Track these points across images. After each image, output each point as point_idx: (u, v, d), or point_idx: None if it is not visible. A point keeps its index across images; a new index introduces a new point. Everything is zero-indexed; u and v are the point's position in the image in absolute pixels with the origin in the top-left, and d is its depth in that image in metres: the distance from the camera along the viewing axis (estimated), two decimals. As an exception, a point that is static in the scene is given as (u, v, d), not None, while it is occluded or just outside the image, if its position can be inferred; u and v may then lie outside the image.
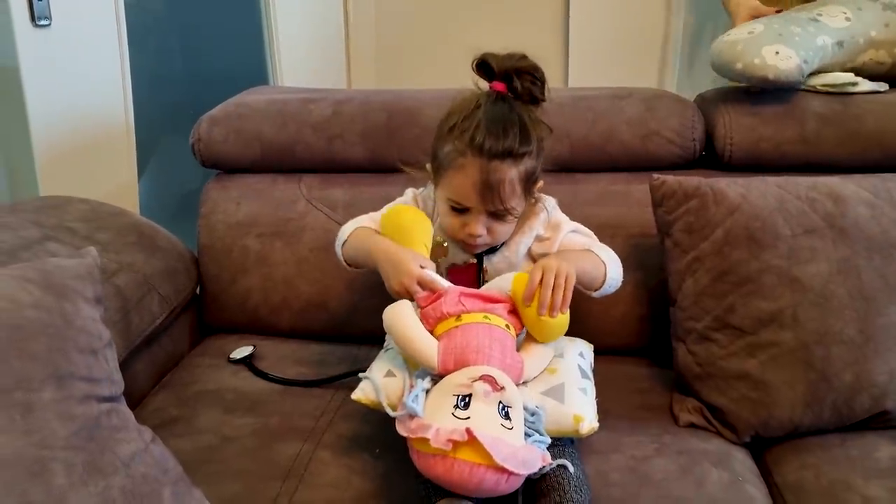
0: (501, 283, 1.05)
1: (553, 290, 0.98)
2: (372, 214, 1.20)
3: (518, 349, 1.02)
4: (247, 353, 1.33)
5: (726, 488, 1.00)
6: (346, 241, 1.16)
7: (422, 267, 1.03)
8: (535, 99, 1.08)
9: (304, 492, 0.99)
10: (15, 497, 0.69)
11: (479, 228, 1.07)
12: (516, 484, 0.88)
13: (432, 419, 0.88)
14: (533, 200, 1.15)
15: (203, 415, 1.16)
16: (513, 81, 1.06)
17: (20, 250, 1.11)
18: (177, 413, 1.17)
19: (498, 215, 1.07)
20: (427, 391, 0.93)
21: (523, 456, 0.87)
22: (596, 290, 1.10)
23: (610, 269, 1.10)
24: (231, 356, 1.33)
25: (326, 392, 1.21)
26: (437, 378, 0.95)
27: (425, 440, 0.85)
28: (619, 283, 1.14)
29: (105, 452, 0.79)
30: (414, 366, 1.01)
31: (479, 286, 1.12)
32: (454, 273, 1.16)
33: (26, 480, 0.71)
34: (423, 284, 1.02)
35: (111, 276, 1.19)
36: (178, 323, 1.38)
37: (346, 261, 1.19)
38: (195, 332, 1.45)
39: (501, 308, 1.02)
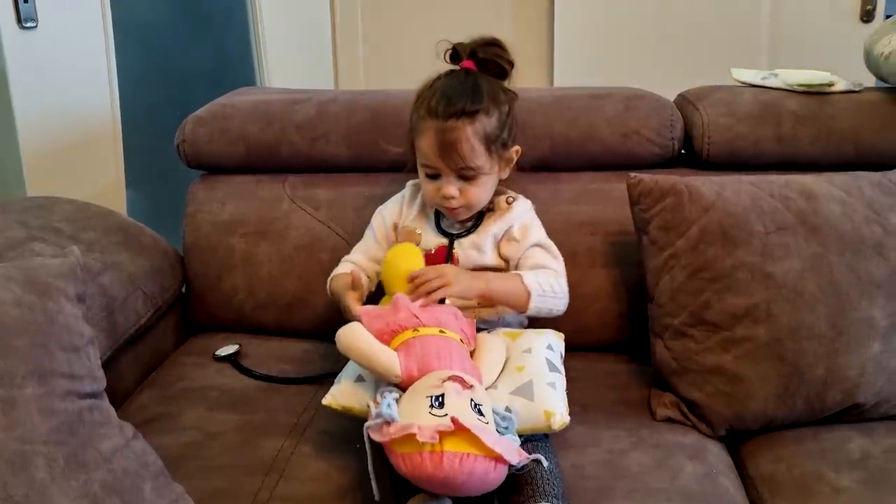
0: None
1: (425, 286, 1.08)
2: (352, 257, 1.28)
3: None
4: (232, 351, 1.34)
5: (700, 481, 1.02)
6: (330, 284, 1.25)
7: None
8: (502, 68, 1.19)
9: (286, 486, 1.01)
10: (-4, 490, 0.71)
11: (451, 189, 1.14)
12: (501, 477, 0.88)
13: (411, 420, 0.87)
14: (509, 197, 1.23)
15: (187, 412, 1.18)
16: (478, 54, 1.18)
17: (5, 250, 1.12)
18: (161, 410, 1.19)
19: (466, 176, 1.14)
20: (397, 400, 0.93)
21: (507, 444, 0.88)
22: (523, 312, 1.17)
23: (535, 300, 1.14)
24: (216, 354, 1.34)
25: (309, 389, 1.23)
26: (401, 392, 0.96)
27: (410, 437, 0.84)
28: (558, 311, 1.19)
29: (86, 447, 0.81)
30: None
31: None
32: (426, 258, 1.20)
33: (8, 474, 0.72)
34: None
35: (96, 276, 1.21)
36: (164, 322, 1.40)
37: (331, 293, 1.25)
38: (180, 330, 1.46)
39: (455, 324, 1.05)
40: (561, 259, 1.22)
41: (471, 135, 1.12)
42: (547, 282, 1.16)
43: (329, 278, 1.26)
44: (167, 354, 1.39)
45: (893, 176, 1.22)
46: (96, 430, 0.83)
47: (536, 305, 1.15)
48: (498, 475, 0.88)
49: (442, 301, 1.16)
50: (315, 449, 1.08)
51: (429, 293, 1.07)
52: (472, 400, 0.90)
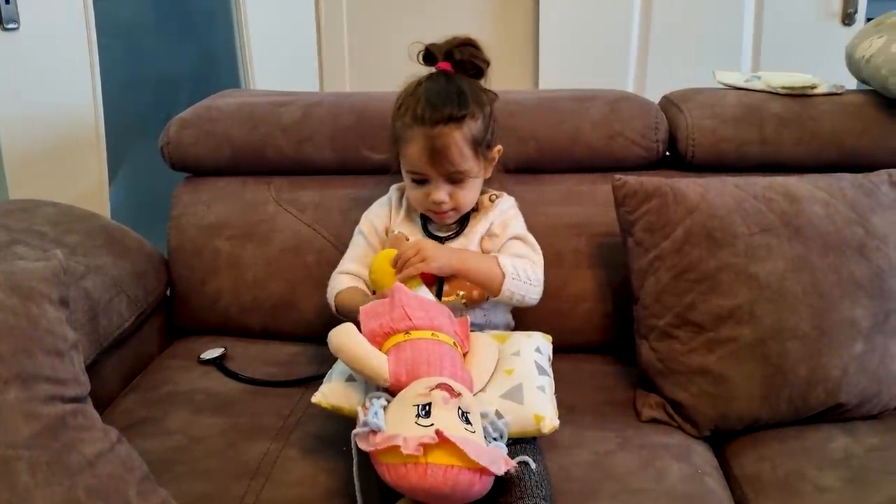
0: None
1: (407, 256, 1.10)
2: (347, 268, 1.24)
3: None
4: (217, 354, 1.34)
5: (686, 481, 1.03)
6: (336, 302, 1.21)
7: None
8: (478, 68, 1.19)
9: (272, 490, 1.00)
10: (-21, 496, 0.71)
11: (441, 195, 1.15)
12: (486, 487, 0.88)
13: (396, 430, 0.87)
14: (493, 195, 1.24)
15: (172, 416, 1.17)
16: (454, 55, 1.18)
17: (-13, 253, 1.11)
18: (146, 414, 1.18)
19: (455, 180, 1.15)
20: (384, 408, 0.92)
21: (492, 454, 0.88)
22: (495, 294, 1.16)
23: (508, 283, 1.14)
24: (201, 357, 1.34)
25: (295, 392, 1.22)
26: (390, 397, 0.95)
27: (395, 449, 0.84)
28: (531, 299, 1.18)
29: (70, 452, 0.80)
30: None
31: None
32: None
33: (-10, 480, 0.72)
34: None
35: (79, 279, 1.20)
36: (148, 325, 1.39)
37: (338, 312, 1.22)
38: (165, 334, 1.45)
39: (449, 326, 1.04)
40: (539, 252, 1.22)
41: (459, 140, 1.12)
42: (522, 268, 1.16)
43: (332, 295, 1.22)
44: (152, 358, 1.38)
45: (875, 177, 1.23)
46: (80, 435, 0.83)
47: (509, 289, 1.14)
48: (483, 485, 0.88)
49: (439, 295, 1.16)
50: (301, 452, 1.07)
51: (408, 269, 1.09)
52: (459, 408, 0.90)
